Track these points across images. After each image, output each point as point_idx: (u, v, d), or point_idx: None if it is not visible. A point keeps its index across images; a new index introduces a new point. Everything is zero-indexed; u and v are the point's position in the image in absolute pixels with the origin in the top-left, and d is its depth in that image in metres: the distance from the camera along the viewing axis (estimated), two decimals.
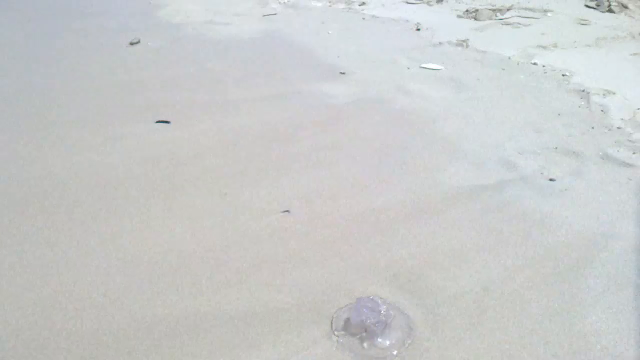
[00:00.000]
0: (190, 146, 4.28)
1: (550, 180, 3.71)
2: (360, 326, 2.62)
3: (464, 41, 6.56)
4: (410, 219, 3.37)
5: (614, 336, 2.56)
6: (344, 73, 5.64)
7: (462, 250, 3.11)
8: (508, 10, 7.77)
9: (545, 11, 7.66)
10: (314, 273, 2.97)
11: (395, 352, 2.55)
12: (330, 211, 3.47)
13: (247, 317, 2.69)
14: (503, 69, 5.62)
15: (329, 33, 7.13)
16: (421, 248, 3.13)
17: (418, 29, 7.15)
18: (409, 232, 3.26)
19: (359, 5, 8.50)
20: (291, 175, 3.85)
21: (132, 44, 6.92)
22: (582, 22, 7.17)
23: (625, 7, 7.58)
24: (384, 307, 2.68)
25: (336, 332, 2.66)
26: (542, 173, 3.79)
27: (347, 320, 2.68)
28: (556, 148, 4.06)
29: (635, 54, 5.94)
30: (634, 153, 3.96)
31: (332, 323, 2.71)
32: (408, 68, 5.76)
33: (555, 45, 6.31)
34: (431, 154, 4.06)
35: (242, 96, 5.18)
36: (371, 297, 2.73)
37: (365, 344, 2.59)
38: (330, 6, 8.53)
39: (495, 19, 7.45)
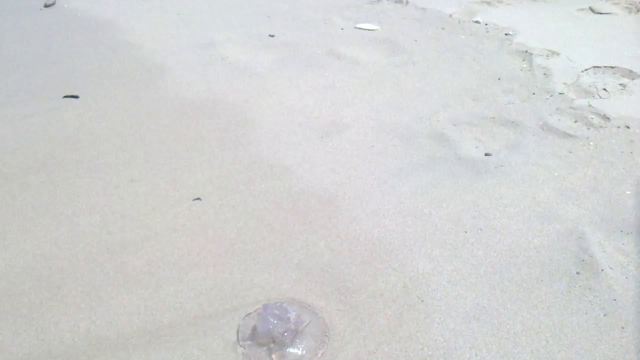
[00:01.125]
0: (100, 124, 3.85)
1: (486, 155, 3.43)
2: (267, 336, 2.32)
3: None
4: (331, 205, 3.06)
5: (545, 336, 2.32)
6: (273, 36, 5.22)
7: (385, 240, 2.81)
8: None
9: None
10: (220, 273, 2.64)
11: None
12: (244, 198, 3.12)
13: (140, 329, 2.36)
14: (443, 29, 5.28)
15: None
16: (341, 239, 2.83)
17: None
18: (328, 220, 2.95)
19: None
20: (206, 157, 3.48)
21: (46, 6, 6.33)
22: None
23: None
24: (294, 313, 2.38)
25: (242, 343, 2.35)
26: (477, 147, 3.50)
27: (254, 329, 2.38)
28: (494, 118, 3.78)
29: (581, 9, 5.67)
30: (575, 122, 3.70)
31: (237, 332, 2.40)
32: (342, 29, 5.37)
33: (500, 1, 5.99)
34: (358, 130, 3.72)
35: (160, 63, 4.73)
36: (278, 303, 2.43)
37: (274, 356, 2.30)
38: None
39: None
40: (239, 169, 3.35)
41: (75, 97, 4.20)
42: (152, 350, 2.27)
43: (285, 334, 2.31)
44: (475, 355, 2.24)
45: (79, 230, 2.89)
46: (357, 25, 5.38)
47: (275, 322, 2.32)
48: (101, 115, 3.97)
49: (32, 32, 5.53)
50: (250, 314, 2.47)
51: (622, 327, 2.34)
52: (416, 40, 4.96)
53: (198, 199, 3.12)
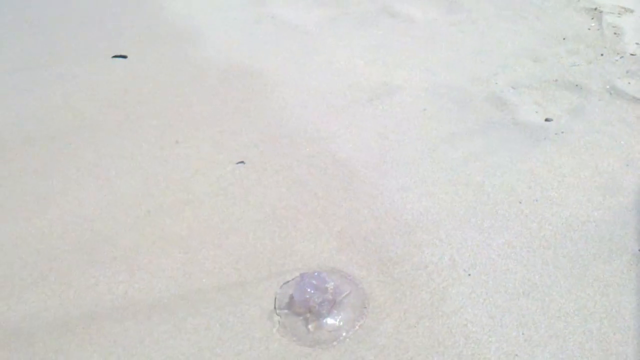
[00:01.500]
0: (146, 85, 3.81)
1: (546, 120, 3.21)
2: (304, 306, 2.26)
3: None
4: (377, 172, 2.94)
5: (600, 316, 2.17)
6: None
7: (432, 210, 2.68)
8: None
9: None
10: (260, 239, 2.58)
11: (344, 334, 2.20)
12: (288, 163, 3.04)
13: (177, 293, 2.34)
14: None
15: None
16: (386, 207, 2.71)
17: None
18: (374, 187, 2.83)
19: None
20: (250, 120, 3.40)
21: None
22: None
23: None
24: (332, 283, 2.30)
25: (278, 311, 2.30)
26: (536, 112, 3.29)
27: (292, 298, 2.32)
28: (556, 80, 3.53)
29: None
30: None
31: (275, 300, 2.35)
32: None
33: None
34: (410, 92, 3.55)
35: (208, 22, 4.64)
36: (317, 273, 2.35)
37: (310, 326, 2.24)
38: None
39: None
40: (284, 133, 3.26)
41: (124, 57, 4.18)
42: (188, 315, 2.25)
43: (322, 305, 2.24)
44: (522, 334, 2.12)
45: (121, 192, 2.88)
46: None
47: (313, 292, 2.26)
48: (147, 75, 3.93)
49: None
50: (288, 282, 2.41)
51: None
52: None
53: (242, 162, 3.06)
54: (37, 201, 2.85)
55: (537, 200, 2.69)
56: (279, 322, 2.25)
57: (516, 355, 2.04)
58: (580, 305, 2.21)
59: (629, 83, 3.44)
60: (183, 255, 2.50)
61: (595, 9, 4.30)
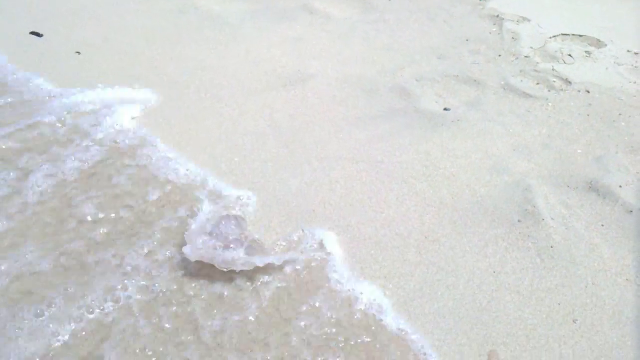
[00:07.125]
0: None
1: (445, 109, 3.47)
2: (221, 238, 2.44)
3: None
4: (287, 147, 3.09)
5: (481, 272, 2.40)
6: None
7: (332, 184, 2.87)
8: None
9: None
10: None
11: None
12: (202, 138, 3.15)
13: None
14: None
15: None
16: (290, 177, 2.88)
17: None
18: (282, 159, 2.99)
19: None
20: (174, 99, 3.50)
21: None
22: None
23: None
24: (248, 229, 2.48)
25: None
26: (437, 102, 3.54)
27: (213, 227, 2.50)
28: (457, 76, 3.80)
29: None
30: (537, 84, 3.74)
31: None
32: None
33: None
34: (322, 81, 3.73)
35: (133, 8, 4.68)
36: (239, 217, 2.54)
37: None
38: None
39: None
40: (199, 110, 3.38)
41: (40, 35, 4.14)
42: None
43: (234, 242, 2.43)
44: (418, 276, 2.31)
45: None
46: None
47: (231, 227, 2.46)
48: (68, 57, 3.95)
49: None
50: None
51: (556, 270, 2.43)
52: (390, 0, 4.95)
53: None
54: None
55: (431, 178, 2.92)
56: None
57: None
58: (467, 260, 2.45)
59: (522, 81, 3.75)
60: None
61: (497, 16, 4.64)
